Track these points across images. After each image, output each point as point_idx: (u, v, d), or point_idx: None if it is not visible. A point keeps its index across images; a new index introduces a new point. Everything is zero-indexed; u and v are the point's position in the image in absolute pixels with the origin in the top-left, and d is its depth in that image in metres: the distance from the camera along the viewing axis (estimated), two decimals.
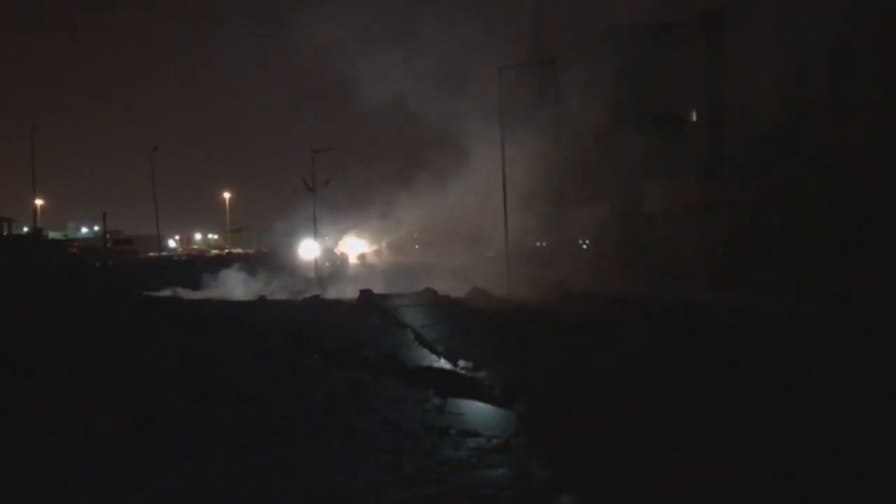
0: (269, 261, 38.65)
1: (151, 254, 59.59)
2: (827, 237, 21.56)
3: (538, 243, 39.20)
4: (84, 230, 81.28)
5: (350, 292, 26.87)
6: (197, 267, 40.48)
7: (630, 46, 31.62)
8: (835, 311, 17.39)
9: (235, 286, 30.68)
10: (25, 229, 55.47)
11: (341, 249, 44.50)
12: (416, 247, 46.98)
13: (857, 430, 8.07)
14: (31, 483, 6.48)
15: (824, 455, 7.35)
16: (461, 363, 12.63)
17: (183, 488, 6.48)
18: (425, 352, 14.07)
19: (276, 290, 29.70)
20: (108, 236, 54.45)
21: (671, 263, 27.69)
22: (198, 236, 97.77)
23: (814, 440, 7.82)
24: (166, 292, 28.78)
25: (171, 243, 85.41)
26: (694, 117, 30.68)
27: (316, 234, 37.62)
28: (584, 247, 37.16)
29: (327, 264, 40.10)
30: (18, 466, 6.82)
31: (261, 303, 25.12)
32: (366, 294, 25.18)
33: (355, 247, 45.30)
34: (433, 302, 23.38)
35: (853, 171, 20.94)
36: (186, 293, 29.19)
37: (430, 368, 12.22)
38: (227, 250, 72.56)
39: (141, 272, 38.88)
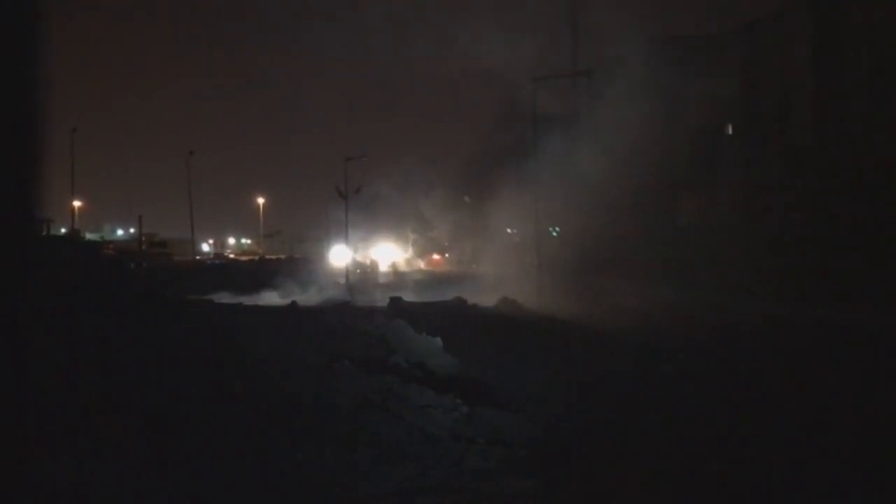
0: (301, 267, 38.82)
1: (177, 258, 59.97)
2: (868, 247, 21.23)
3: (570, 255, 38.97)
4: (119, 232, 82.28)
5: (380, 299, 26.91)
6: (230, 271, 40.69)
7: (666, 58, 31.42)
8: None
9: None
10: (63, 230, 56.44)
11: (372, 256, 44.59)
12: (446, 255, 46.93)
13: None
14: (62, 482, 6.55)
15: None
16: (489, 372, 12.58)
17: (209, 490, 6.52)
18: (454, 360, 14.02)
19: (308, 296, 29.85)
20: (143, 238, 55.17)
21: (703, 277, 27.37)
22: (231, 240, 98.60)
23: None
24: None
25: (205, 247, 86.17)
26: (729, 130, 30.39)
27: (347, 240, 37.80)
28: (615, 259, 36.86)
29: (358, 271, 40.22)
30: (50, 465, 6.88)
31: (292, 308, 25.23)
32: (396, 301, 25.18)
33: (387, 254, 45.40)
34: (463, 311, 23.33)
35: (893, 182, 20.62)
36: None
37: (458, 377, 12.17)
38: (259, 255, 73.07)
39: (180, 274, 39.20)
